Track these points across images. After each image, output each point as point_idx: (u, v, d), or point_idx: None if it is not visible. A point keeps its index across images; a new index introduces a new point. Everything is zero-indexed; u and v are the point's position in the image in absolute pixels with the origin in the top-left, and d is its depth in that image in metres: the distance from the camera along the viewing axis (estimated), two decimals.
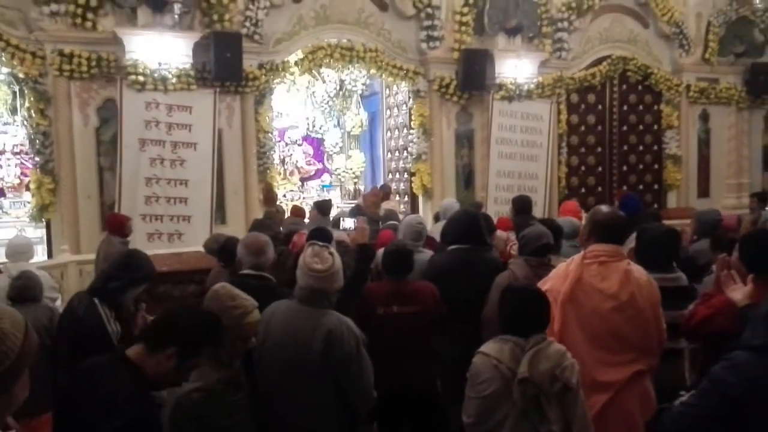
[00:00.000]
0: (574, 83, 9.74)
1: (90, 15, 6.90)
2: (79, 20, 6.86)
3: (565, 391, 2.36)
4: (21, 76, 7.03)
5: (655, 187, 10.58)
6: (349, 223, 5.08)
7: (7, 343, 1.39)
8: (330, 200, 7.18)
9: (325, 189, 12.66)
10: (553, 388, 2.34)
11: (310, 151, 12.85)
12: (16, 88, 9.40)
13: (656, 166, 10.56)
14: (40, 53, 6.87)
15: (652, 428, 2.60)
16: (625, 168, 10.38)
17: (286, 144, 12.52)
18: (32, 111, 6.97)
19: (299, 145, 12.72)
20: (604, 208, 3.00)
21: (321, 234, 3.73)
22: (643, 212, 6.06)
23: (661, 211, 9.77)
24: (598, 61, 9.97)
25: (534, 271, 3.40)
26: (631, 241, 3.64)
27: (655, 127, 10.51)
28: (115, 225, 5.88)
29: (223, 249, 4.21)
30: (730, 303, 2.49)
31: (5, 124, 10.44)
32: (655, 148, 10.52)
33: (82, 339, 2.92)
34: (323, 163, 13.01)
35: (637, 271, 2.81)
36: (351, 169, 12.73)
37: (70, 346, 2.99)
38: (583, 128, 10.07)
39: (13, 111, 10.17)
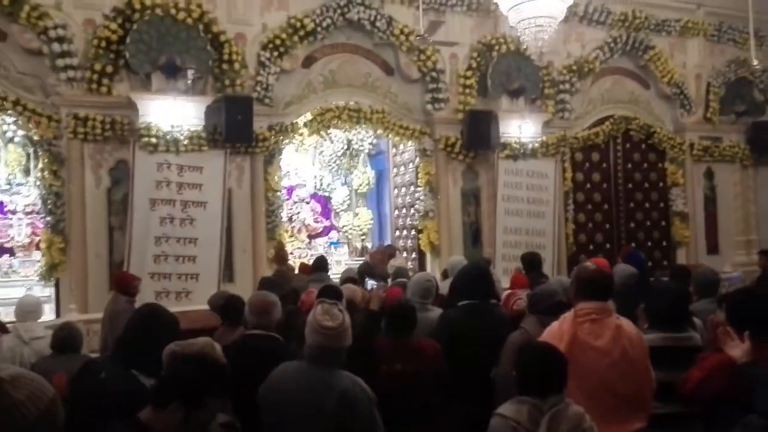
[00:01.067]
0: (577, 142, 9.87)
1: (105, 81, 7.10)
2: (94, 86, 7.05)
3: None
4: (36, 138, 7.21)
5: (664, 243, 10.55)
6: (370, 284, 5.11)
7: (14, 414, 1.29)
8: (324, 257, 7.16)
9: (332, 246, 12.67)
10: None
11: (318, 208, 12.93)
12: (30, 150, 9.66)
13: (663, 223, 10.56)
14: (55, 117, 7.03)
15: None
16: (632, 225, 10.40)
17: (294, 202, 12.62)
18: (45, 172, 7.10)
19: (307, 203, 12.81)
20: (589, 265, 3.04)
21: (331, 291, 3.72)
22: (650, 269, 6.02)
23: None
24: (601, 121, 10.14)
25: None
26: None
27: (661, 184, 10.58)
28: (122, 283, 5.86)
29: (226, 308, 4.17)
30: (723, 363, 2.48)
31: (18, 184, 10.62)
32: (662, 205, 10.56)
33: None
34: (330, 221, 13.07)
35: (627, 325, 2.85)
36: (358, 226, 12.78)
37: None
38: (588, 186, 10.15)
39: (26, 172, 10.40)
